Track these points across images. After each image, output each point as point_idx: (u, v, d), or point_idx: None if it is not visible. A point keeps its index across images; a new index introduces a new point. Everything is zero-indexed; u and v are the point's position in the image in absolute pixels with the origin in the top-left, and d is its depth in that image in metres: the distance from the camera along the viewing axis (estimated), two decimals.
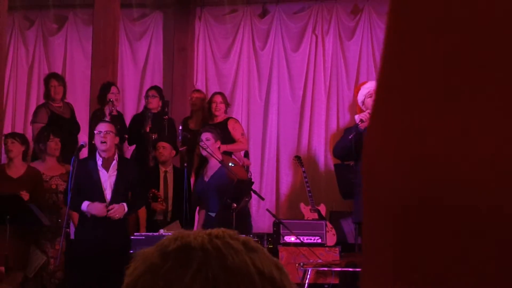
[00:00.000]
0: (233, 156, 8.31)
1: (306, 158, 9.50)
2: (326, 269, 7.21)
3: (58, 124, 8.08)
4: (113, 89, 8.36)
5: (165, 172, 8.00)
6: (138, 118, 8.79)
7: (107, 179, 6.57)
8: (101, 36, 8.72)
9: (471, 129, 0.62)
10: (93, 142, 6.75)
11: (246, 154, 8.92)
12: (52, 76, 8.65)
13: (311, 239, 7.59)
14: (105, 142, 6.58)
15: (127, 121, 8.94)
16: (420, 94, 0.66)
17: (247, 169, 8.69)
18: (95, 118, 7.94)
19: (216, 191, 7.31)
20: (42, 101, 8.77)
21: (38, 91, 10.25)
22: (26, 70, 10.56)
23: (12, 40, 10.46)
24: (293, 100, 9.94)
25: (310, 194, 8.60)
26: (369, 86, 6.31)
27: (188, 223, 7.46)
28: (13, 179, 7.07)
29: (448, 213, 0.62)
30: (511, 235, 0.60)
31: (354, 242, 8.19)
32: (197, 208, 7.82)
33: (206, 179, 7.50)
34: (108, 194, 6.57)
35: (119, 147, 7.83)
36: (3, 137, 7.45)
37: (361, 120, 6.05)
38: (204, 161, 7.75)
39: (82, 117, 8.83)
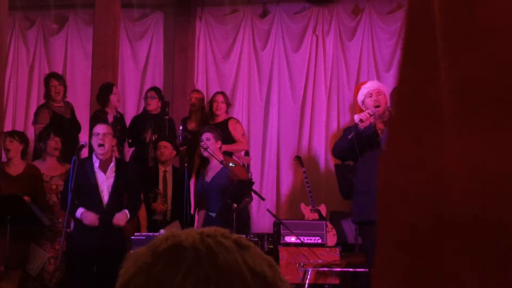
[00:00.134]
0: (233, 157, 8.31)
1: (307, 158, 9.50)
2: (326, 269, 7.21)
3: (59, 124, 8.08)
4: (115, 89, 8.36)
5: (165, 171, 8.00)
6: (138, 120, 8.78)
7: (105, 181, 6.48)
8: (102, 36, 8.71)
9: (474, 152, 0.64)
10: (83, 144, 6.63)
11: (247, 154, 8.91)
12: (52, 76, 8.64)
13: (311, 239, 7.58)
14: (103, 145, 6.46)
15: (127, 121, 8.94)
16: (432, 124, 0.67)
17: (247, 167, 8.69)
18: (96, 118, 7.93)
19: (217, 191, 7.31)
20: (42, 101, 8.76)
21: (38, 91, 10.25)
22: (27, 70, 10.56)
23: (13, 40, 10.46)
24: (293, 100, 9.94)
25: (310, 194, 8.60)
26: (369, 86, 6.29)
27: (188, 223, 7.46)
28: (13, 177, 7.07)
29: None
30: None
31: (354, 243, 8.19)
32: (197, 208, 7.82)
33: (207, 179, 7.50)
34: (105, 197, 6.49)
35: (119, 149, 7.82)
36: (2, 136, 7.45)
37: (361, 120, 6.03)
38: (204, 161, 7.75)
39: (83, 117, 8.82)
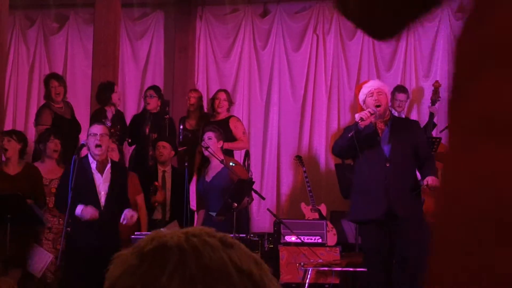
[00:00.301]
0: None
1: (307, 157, 9.50)
2: (326, 269, 7.20)
3: (60, 124, 8.07)
4: (116, 88, 8.37)
5: (164, 172, 8.01)
6: (138, 119, 8.78)
7: (102, 183, 6.47)
8: (102, 35, 8.71)
9: None
10: (83, 143, 6.52)
11: (247, 154, 8.91)
12: (52, 77, 8.62)
13: (311, 239, 7.58)
14: (100, 145, 6.40)
15: (128, 121, 8.93)
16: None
17: (248, 166, 8.69)
18: (96, 118, 7.93)
19: (217, 191, 7.30)
20: (43, 100, 8.75)
21: (39, 90, 10.25)
22: (27, 69, 10.56)
23: (13, 40, 10.46)
24: (294, 100, 9.93)
25: (310, 194, 8.60)
26: (371, 85, 6.29)
27: (188, 223, 7.46)
28: (11, 176, 7.06)
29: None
30: None
31: (354, 242, 8.19)
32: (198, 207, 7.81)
33: (208, 179, 7.49)
34: (102, 198, 6.48)
35: (119, 148, 7.81)
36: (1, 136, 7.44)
37: (361, 119, 6.03)
38: (205, 159, 7.73)
39: (83, 117, 8.82)
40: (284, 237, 7.51)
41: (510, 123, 0.66)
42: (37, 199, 6.93)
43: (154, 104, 8.68)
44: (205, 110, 9.10)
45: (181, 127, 8.68)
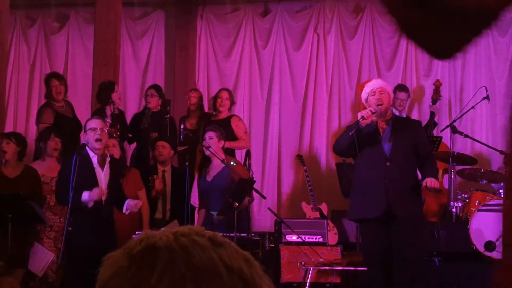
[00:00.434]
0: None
1: (308, 157, 9.50)
2: (327, 268, 7.20)
3: (62, 123, 8.06)
4: (116, 87, 8.36)
5: (163, 171, 8.02)
6: (139, 117, 8.78)
7: (103, 177, 6.48)
8: (103, 34, 8.72)
9: None
10: (84, 143, 6.45)
11: (248, 153, 8.91)
12: (52, 76, 8.61)
13: (312, 238, 7.58)
14: (100, 139, 6.39)
15: (129, 120, 8.93)
16: None
17: (249, 166, 8.69)
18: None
19: (218, 191, 7.30)
20: (43, 100, 8.75)
21: (39, 90, 10.24)
22: (28, 69, 10.56)
23: (14, 39, 10.45)
24: (294, 99, 9.93)
25: (311, 193, 8.59)
26: (373, 84, 6.29)
27: (189, 222, 7.46)
28: (10, 179, 7.05)
29: None
30: None
31: (355, 241, 8.19)
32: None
33: (209, 178, 7.50)
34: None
35: (121, 145, 7.80)
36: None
37: (362, 117, 6.03)
38: (206, 159, 7.73)
39: (84, 116, 8.81)
40: (285, 236, 7.51)
41: None
42: (36, 201, 6.90)
43: (155, 103, 8.68)
44: (206, 109, 9.10)
45: (182, 126, 8.68)
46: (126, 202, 6.40)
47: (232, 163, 7.48)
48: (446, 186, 8.15)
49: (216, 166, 7.46)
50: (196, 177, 8.05)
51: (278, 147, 9.89)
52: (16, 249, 6.59)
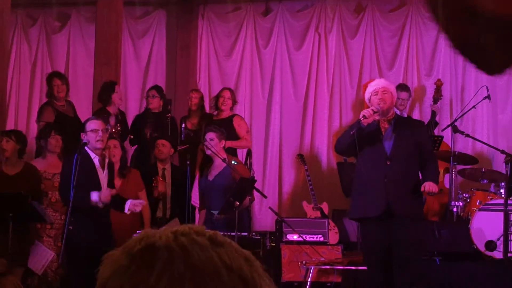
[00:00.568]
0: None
1: (309, 156, 9.50)
2: (328, 267, 7.20)
3: (63, 122, 8.06)
4: (117, 88, 8.35)
5: (163, 169, 8.02)
6: (140, 119, 8.78)
7: (104, 178, 6.49)
8: (104, 34, 8.72)
9: None
10: (85, 142, 6.43)
11: (249, 152, 8.91)
12: (54, 75, 8.61)
13: (313, 237, 7.58)
14: (102, 140, 6.40)
15: (129, 120, 8.93)
16: None
17: (250, 165, 8.69)
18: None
19: (219, 190, 7.31)
20: (45, 99, 8.75)
21: (41, 89, 10.25)
22: (29, 68, 10.56)
23: (15, 38, 10.46)
24: (296, 99, 9.93)
25: (312, 192, 8.60)
26: (376, 84, 6.29)
27: (190, 221, 7.46)
28: (10, 176, 7.06)
29: None
30: None
31: (356, 241, 8.19)
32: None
33: (210, 178, 7.50)
34: None
35: (122, 146, 7.80)
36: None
37: (364, 116, 6.03)
38: (208, 158, 7.73)
39: (85, 115, 8.81)
40: (286, 235, 7.51)
41: None
42: (36, 198, 6.90)
43: (156, 104, 8.69)
44: (207, 109, 9.09)
45: (183, 125, 8.68)
46: (129, 202, 6.40)
47: (233, 162, 7.48)
48: (447, 186, 8.15)
49: (218, 165, 7.47)
50: (197, 176, 8.05)
51: (279, 146, 9.89)
52: (16, 248, 6.59)
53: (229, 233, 6.58)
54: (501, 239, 7.03)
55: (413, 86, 9.44)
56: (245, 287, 1.04)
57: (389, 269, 6.02)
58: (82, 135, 6.38)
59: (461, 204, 7.73)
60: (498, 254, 7.06)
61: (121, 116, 8.55)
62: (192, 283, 1.01)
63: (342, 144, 6.25)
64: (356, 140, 5.99)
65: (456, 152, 8.04)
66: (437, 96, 8.94)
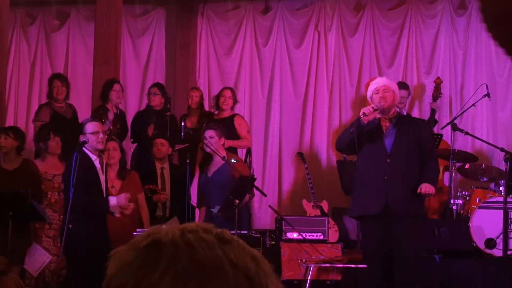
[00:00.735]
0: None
1: (309, 154, 9.50)
2: (328, 265, 7.20)
3: (59, 123, 8.03)
4: (115, 86, 8.32)
5: (162, 168, 8.02)
6: (141, 116, 8.76)
7: (103, 180, 6.49)
8: (103, 32, 8.71)
9: None
10: (85, 140, 6.40)
11: (249, 151, 8.91)
12: (55, 77, 8.61)
13: (313, 236, 7.59)
14: (102, 142, 6.43)
15: (130, 118, 8.92)
16: None
17: (250, 163, 8.69)
18: (97, 115, 7.90)
19: (218, 186, 7.31)
20: (44, 97, 8.76)
21: (40, 88, 10.26)
22: (28, 66, 10.56)
23: (14, 37, 10.45)
24: (295, 97, 9.93)
25: (312, 191, 8.60)
26: (377, 82, 6.29)
27: (189, 220, 7.46)
28: (9, 171, 7.05)
29: None
30: None
31: (356, 239, 8.19)
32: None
33: (209, 174, 7.51)
34: (104, 194, 6.50)
35: (121, 147, 7.79)
36: None
37: (364, 114, 6.03)
38: (208, 156, 7.73)
39: (84, 114, 8.81)
40: (285, 233, 7.51)
41: None
42: (35, 194, 6.90)
43: (157, 101, 8.68)
44: (206, 108, 9.09)
45: (183, 124, 8.68)
46: (114, 200, 6.39)
47: (233, 160, 7.48)
48: (447, 184, 8.15)
49: (217, 162, 7.47)
50: (196, 175, 8.05)
51: (279, 144, 9.89)
52: (16, 247, 6.58)
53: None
54: (501, 237, 7.03)
55: (413, 84, 9.44)
56: (251, 285, 1.04)
57: (389, 267, 6.02)
58: (81, 137, 6.34)
59: (460, 202, 7.73)
60: (497, 252, 7.06)
61: (121, 116, 8.54)
62: (197, 280, 1.01)
63: (342, 142, 6.25)
64: (356, 138, 5.99)
65: (456, 150, 8.04)
66: (437, 94, 8.94)
